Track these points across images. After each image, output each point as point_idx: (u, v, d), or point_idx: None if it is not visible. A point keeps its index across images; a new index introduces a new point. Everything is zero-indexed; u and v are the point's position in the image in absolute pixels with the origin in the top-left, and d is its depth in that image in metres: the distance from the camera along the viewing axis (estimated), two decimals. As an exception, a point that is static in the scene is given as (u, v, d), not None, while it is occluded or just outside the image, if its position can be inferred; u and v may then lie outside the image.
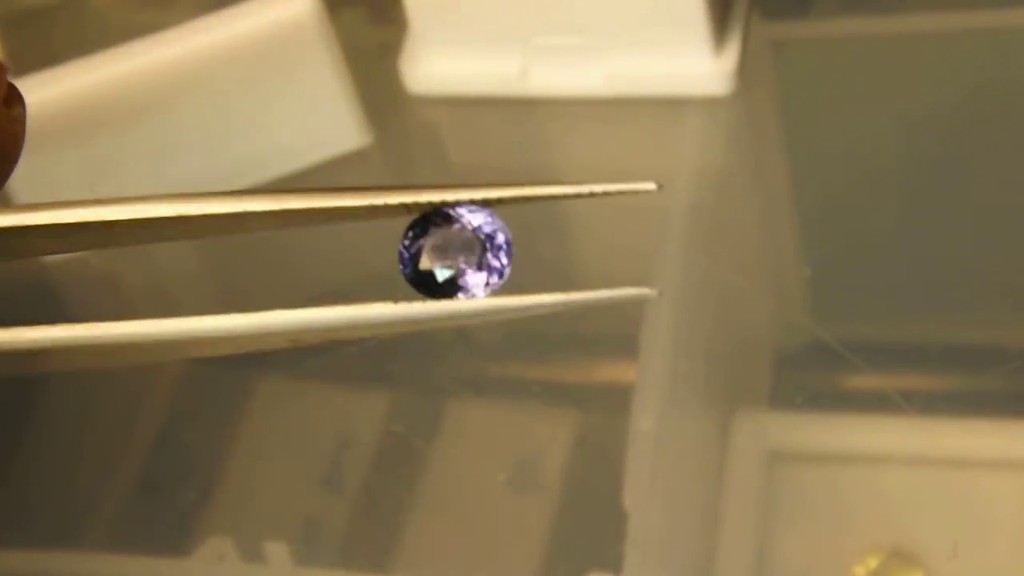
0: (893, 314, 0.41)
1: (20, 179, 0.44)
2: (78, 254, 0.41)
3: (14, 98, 0.24)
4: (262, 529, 0.40)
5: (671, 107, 0.46)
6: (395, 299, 0.23)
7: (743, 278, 0.42)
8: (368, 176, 0.47)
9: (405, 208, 0.23)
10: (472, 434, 0.41)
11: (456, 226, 0.24)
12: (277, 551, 0.39)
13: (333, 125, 0.46)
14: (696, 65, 0.45)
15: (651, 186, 0.23)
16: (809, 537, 0.37)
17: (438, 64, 0.47)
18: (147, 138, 0.45)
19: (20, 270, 0.44)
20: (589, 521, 0.39)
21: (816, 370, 0.40)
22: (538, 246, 0.43)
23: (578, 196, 0.23)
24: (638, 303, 0.39)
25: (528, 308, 0.23)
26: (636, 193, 0.23)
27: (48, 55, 0.45)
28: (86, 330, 0.22)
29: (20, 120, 0.24)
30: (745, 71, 0.45)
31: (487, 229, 0.24)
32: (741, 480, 0.38)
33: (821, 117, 0.46)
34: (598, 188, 0.23)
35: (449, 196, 0.23)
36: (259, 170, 0.46)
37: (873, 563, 0.36)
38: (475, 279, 0.24)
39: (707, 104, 0.45)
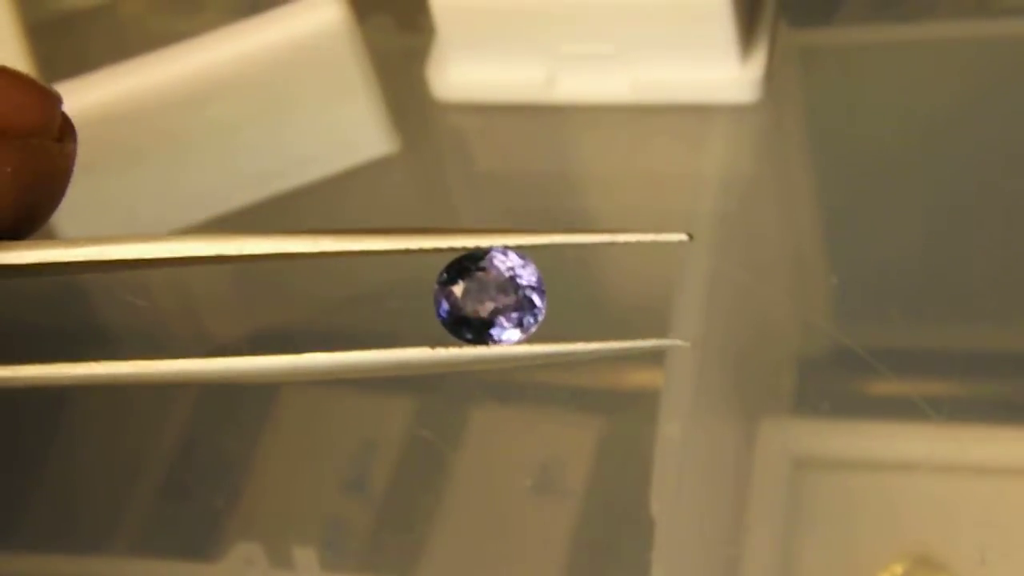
0: (919, 321, 0.41)
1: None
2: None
3: (68, 133, 0.24)
4: (289, 534, 0.40)
5: (698, 115, 0.46)
6: (431, 345, 0.23)
7: (765, 283, 0.42)
8: (394, 182, 0.47)
9: (439, 252, 0.24)
10: (498, 440, 0.41)
11: (492, 270, 0.24)
12: (304, 556, 0.39)
13: (360, 132, 0.46)
14: (723, 73, 0.45)
15: (682, 237, 0.23)
16: (835, 544, 0.37)
17: (465, 71, 0.47)
18: (175, 144, 0.45)
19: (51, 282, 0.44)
20: (615, 527, 0.39)
21: (842, 377, 0.40)
22: (559, 259, 0.43)
23: (612, 243, 0.23)
24: (661, 299, 0.39)
25: (564, 355, 0.23)
26: (666, 244, 0.23)
27: (78, 61, 0.45)
28: (127, 367, 0.23)
29: (71, 156, 0.24)
30: (772, 79, 0.45)
31: (520, 272, 0.24)
32: (767, 487, 0.38)
33: (847, 124, 0.46)
34: (627, 238, 0.23)
35: (483, 241, 0.24)
36: (287, 176, 0.46)
37: (899, 570, 0.36)
38: (510, 323, 0.24)
39: (734, 112, 0.45)
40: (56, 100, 0.23)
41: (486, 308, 0.24)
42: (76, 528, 0.41)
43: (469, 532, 0.40)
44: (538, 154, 0.47)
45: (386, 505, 0.40)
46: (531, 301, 0.24)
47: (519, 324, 0.24)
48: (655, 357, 0.40)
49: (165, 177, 0.46)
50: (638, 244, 0.23)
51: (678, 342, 0.24)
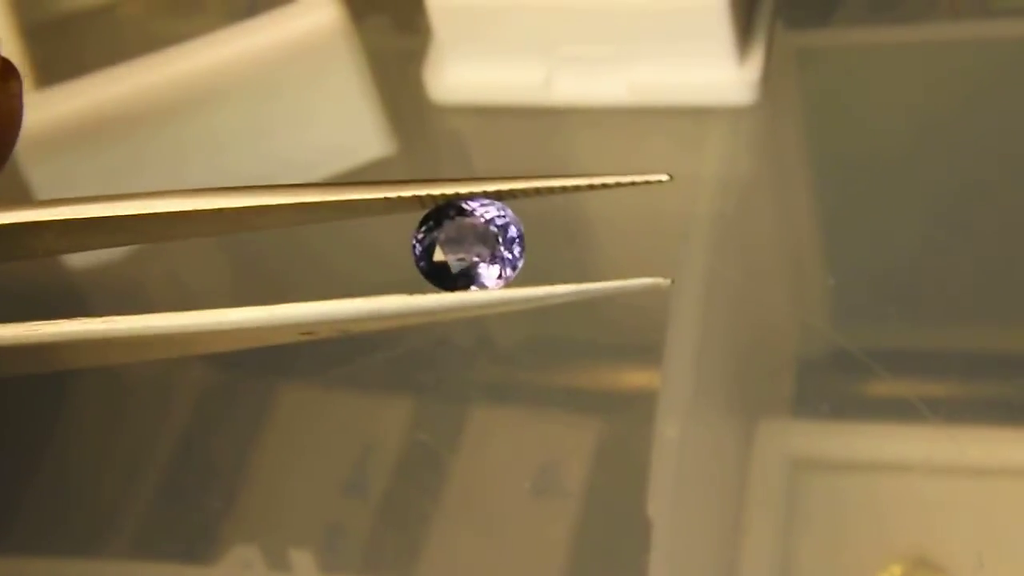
0: (917, 322, 0.41)
1: (47, 186, 0.44)
2: (100, 254, 0.41)
3: (10, 73, 0.24)
4: (287, 536, 0.40)
5: (695, 116, 0.46)
6: (409, 292, 0.23)
7: (763, 285, 0.42)
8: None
9: (419, 201, 0.23)
10: (495, 442, 0.41)
11: (469, 219, 0.24)
12: (302, 559, 0.39)
13: (357, 134, 0.46)
14: (720, 75, 0.45)
15: (663, 177, 0.23)
16: (833, 546, 0.37)
17: (462, 73, 0.47)
18: (172, 147, 0.45)
19: (42, 272, 0.44)
20: (613, 529, 0.39)
21: (840, 378, 0.40)
22: (556, 256, 0.43)
23: (591, 188, 0.23)
24: (658, 300, 0.39)
25: (541, 299, 0.23)
26: (648, 184, 0.23)
27: (76, 64, 0.45)
28: (101, 324, 0.22)
29: (17, 95, 0.24)
30: (769, 80, 0.45)
31: (500, 221, 0.24)
32: (764, 488, 0.38)
33: (845, 126, 0.46)
34: (611, 180, 0.23)
35: (462, 189, 0.23)
36: (283, 179, 0.46)
37: (897, 571, 0.36)
38: (488, 271, 0.24)
39: (731, 113, 0.45)
40: None
41: (463, 256, 0.24)
42: (72, 530, 0.41)
43: (467, 534, 0.40)
44: (535, 156, 0.47)
45: (384, 507, 0.40)
46: (510, 250, 0.24)
47: (497, 274, 0.24)
48: (652, 358, 0.40)
49: (162, 180, 0.46)
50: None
51: (660, 280, 0.23)
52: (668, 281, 0.23)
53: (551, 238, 0.40)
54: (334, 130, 0.46)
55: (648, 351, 0.41)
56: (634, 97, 0.46)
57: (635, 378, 0.42)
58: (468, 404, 0.42)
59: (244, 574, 0.39)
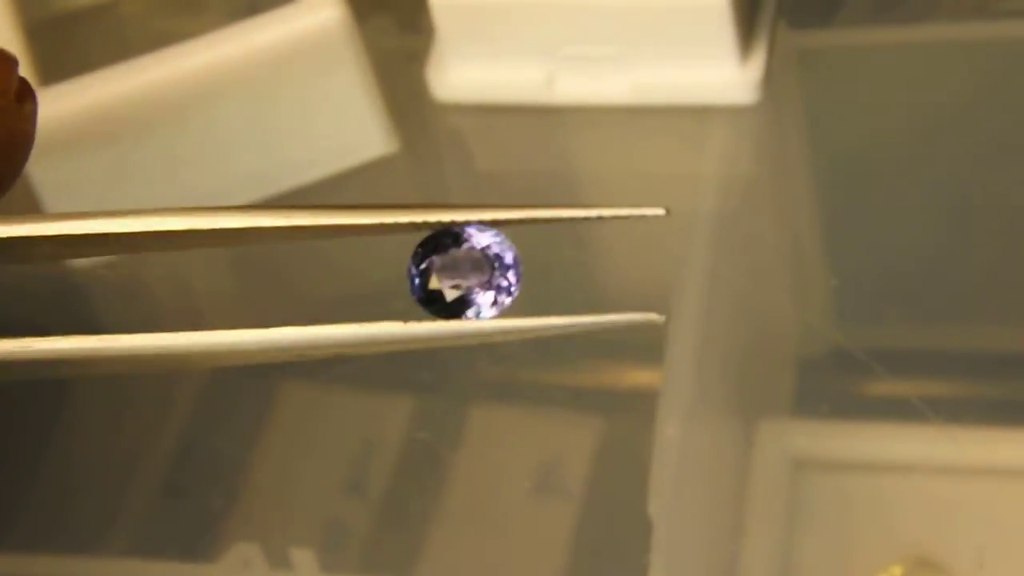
0: (918, 322, 0.41)
1: (49, 186, 0.44)
2: (101, 259, 0.41)
3: (26, 94, 0.24)
4: (287, 535, 0.40)
5: (697, 116, 0.46)
6: (404, 320, 0.23)
7: (764, 285, 0.42)
8: (394, 183, 0.47)
9: (414, 227, 0.23)
10: (496, 441, 0.41)
11: (465, 246, 0.24)
12: (302, 557, 0.39)
13: (360, 132, 0.46)
14: (722, 74, 0.45)
15: (659, 211, 0.23)
16: (834, 546, 0.37)
17: (465, 72, 0.47)
18: (175, 145, 0.45)
19: (43, 276, 0.44)
20: (613, 529, 0.39)
21: (841, 378, 0.40)
22: (559, 254, 0.43)
23: (587, 219, 0.23)
24: (660, 300, 0.39)
25: (537, 330, 0.23)
26: (644, 217, 0.23)
27: (77, 62, 0.45)
28: (96, 342, 0.22)
29: (31, 117, 0.24)
30: (771, 80, 0.45)
31: (495, 249, 0.24)
32: (765, 488, 0.38)
33: (847, 126, 0.46)
34: (607, 212, 0.23)
35: (458, 216, 0.23)
36: (286, 177, 0.46)
37: (898, 571, 0.36)
38: (484, 299, 0.24)
39: (733, 113, 0.45)
40: (12, 62, 0.24)
41: (459, 285, 0.24)
42: (72, 528, 0.41)
43: (468, 533, 0.40)
44: (537, 155, 0.47)
45: (384, 506, 0.40)
46: (506, 277, 0.24)
47: (492, 301, 0.24)
48: (654, 357, 0.40)
49: (164, 178, 0.46)
50: (621, 222, 0.23)
51: (653, 316, 0.24)
52: (662, 318, 0.24)
53: (549, 242, 0.40)
54: (336, 129, 0.46)
55: (649, 350, 0.41)
56: (636, 96, 0.46)
57: (636, 377, 0.42)
58: (469, 403, 0.42)
59: (244, 572, 0.39)
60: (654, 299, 0.41)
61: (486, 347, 0.42)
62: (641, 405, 0.40)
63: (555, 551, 0.38)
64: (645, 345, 0.41)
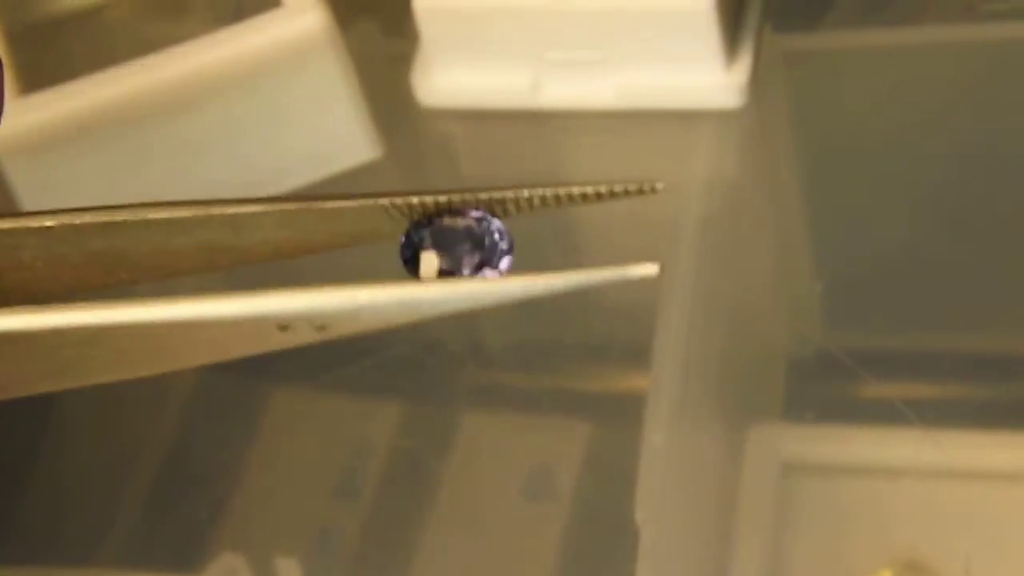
0: (905, 327, 0.41)
1: (33, 193, 0.44)
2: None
3: None
4: (274, 544, 0.40)
5: (683, 120, 0.46)
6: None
7: (750, 289, 0.42)
8: (379, 188, 0.47)
9: (408, 210, 0.23)
10: (485, 446, 0.41)
11: (456, 224, 0.24)
12: (289, 566, 0.39)
13: (344, 138, 0.46)
14: (708, 78, 0.45)
15: (653, 270, 0.23)
16: (822, 550, 0.37)
17: (450, 77, 0.47)
18: (159, 151, 0.45)
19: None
20: (602, 534, 0.39)
21: (829, 383, 0.40)
22: (545, 259, 0.43)
23: (583, 197, 0.23)
24: (647, 304, 0.39)
25: (531, 288, 0.23)
26: (642, 194, 0.23)
27: (61, 68, 0.45)
28: (94, 315, 0.22)
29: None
30: (757, 84, 0.45)
31: (486, 224, 0.24)
32: (754, 493, 0.38)
33: (834, 130, 0.46)
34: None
35: (455, 198, 0.23)
36: (271, 183, 0.46)
37: (887, 575, 0.36)
38: (473, 275, 0.24)
39: (719, 117, 0.45)
40: None
41: (450, 260, 0.24)
42: (59, 539, 0.41)
43: (456, 538, 0.39)
44: (523, 160, 0.47)
45: (373, 513, 0.40)
46: (497, 256, 0.24)
47: (487, 264, 0.24)
48: (641, 362, 0.40)
49: (150, 184, 0.46)
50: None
51: (650, 267, 0.23)
52: (656, 268, 0.23)
53: (537, 244, 0.39)
54: (321, 134, 0.46)
55: (637, 355, 0.41)
56: (622, 101, 0.46)
57: (624, 382, 0.42)
58: (457, 409, 0.42)
59: (231, 581, 0.39)
60: (640, 304, 0.41)
61: (477, 350, 0.42)
62: (628, 410, 0.40)
63: (543, 557, 0.38)
64: (633, 350, 0.41)
